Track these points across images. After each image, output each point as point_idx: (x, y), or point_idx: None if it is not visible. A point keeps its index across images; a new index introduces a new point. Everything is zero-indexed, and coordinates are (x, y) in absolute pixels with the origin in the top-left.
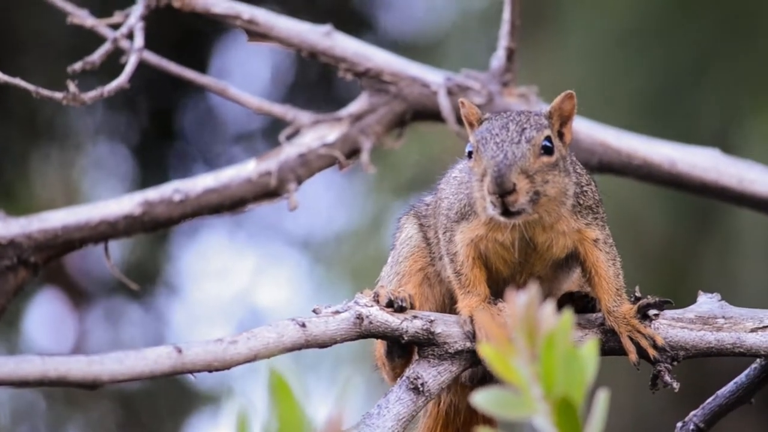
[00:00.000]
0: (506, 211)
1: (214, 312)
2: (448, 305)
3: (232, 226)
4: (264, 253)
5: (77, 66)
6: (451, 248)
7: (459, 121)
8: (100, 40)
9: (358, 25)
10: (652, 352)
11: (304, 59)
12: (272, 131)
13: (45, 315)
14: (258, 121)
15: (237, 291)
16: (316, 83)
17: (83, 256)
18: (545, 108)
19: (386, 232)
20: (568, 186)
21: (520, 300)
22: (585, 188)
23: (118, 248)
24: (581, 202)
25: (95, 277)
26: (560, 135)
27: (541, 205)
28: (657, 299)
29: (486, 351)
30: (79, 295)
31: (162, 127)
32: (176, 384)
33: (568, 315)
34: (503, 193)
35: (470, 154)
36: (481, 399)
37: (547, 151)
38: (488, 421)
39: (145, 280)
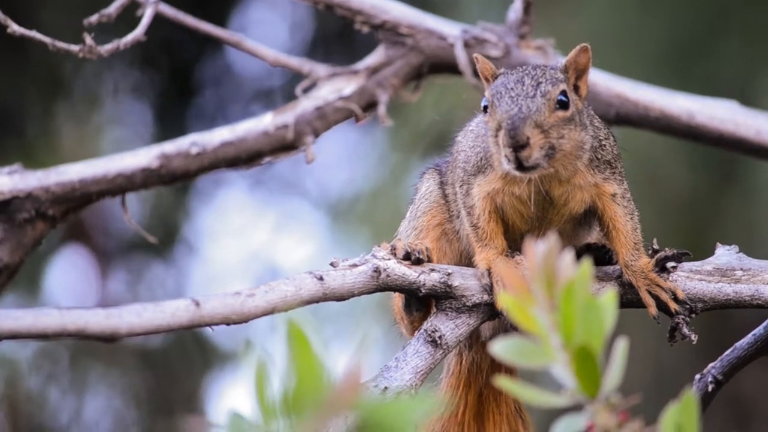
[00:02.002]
0: (521, 166)
1: (234, 269)
2: (466, 262)
3: (251, 183)
4: (283, 211)
5: (93, 18)
6: (468, 201)
7: (476, 73)
8: None
9: None
10: (673, 306)
11: (323, 14)
12: (291, 88)
13: (66, 272)
14: (277, 77)
15: (256, 248)
16: (335, 38)
17: (104, 214)
18: (561, 61)
19: (404, 188)
20: (584, 140)
21: (539, 250)
22: (603, 142)
23: (137, 205)
24: (599, 156)
25: (116, 234)
26: (576, 88)
27: (557, 160)
28: (675, 251)
29: (505, 300)
30: (100, 253)
31: (181, 84)
32: (198, 340)
33: (587, 264)
34: (517, 146)
35: (485, 108)
36: (501, 348)
37: (563, 105)
38: (510, 377)
39: (165, 237)
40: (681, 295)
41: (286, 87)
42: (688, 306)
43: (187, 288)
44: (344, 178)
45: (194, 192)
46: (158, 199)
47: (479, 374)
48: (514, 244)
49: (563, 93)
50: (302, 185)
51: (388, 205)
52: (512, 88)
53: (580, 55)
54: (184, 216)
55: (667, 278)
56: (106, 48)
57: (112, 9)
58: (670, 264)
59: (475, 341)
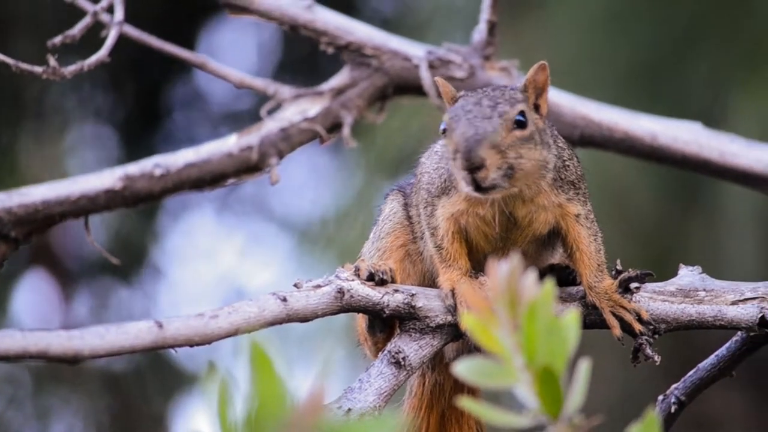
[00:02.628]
0: (480, 187)
1: (201, 292)
2: (429, 282)
3: (218, 206)
4: (250, 234)
5: (57, 40)
6: (432, 222)
7: (440, 95)
8: (82, 14)
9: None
10: (637, 327)
11: (291, 37)
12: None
13: (32, 296)
14: (245, 101)
15: (223, 271)
16: (303, 60)
17: (70, 237)
18: (521, 81)
19: (371, 209)
20: (547, 159)
21: (502, 270)
22: (567, 162)
23: (103, 229)
24: (563, 176)
25: (82, 258)
26: (536, 107)
27: (518, 179)
28: (638, 272)
29: (468, 321)
30: (65, 276)
31: (148, 108)
32: (164, 363)
33: (550, 285)
34: (472, 168)
35: (444, 131)
36: (464, 369)
37: (520, 125)
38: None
39: (131, 261)
40: (645, 316)
41: (254, 110)
42: (651, 327)
43: (154, 312)
44: (310, 200)
45: (161, 215)
46: (125, 222)
47: (442, 395)
48: (477, 265)
49: (521, 113)
50: (269, 208)
51: (355, 227)
52: (469, 110)
53: (539, 73)
54: (151, 239)
55: (631, 299)
56: (70, 69)
57: (75, 30)
58: (633, 285)
59: (438, 362)
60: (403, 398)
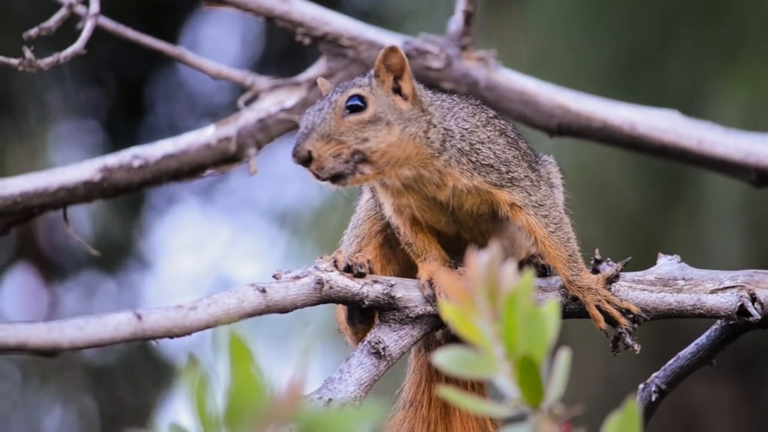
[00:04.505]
0: (321, 178)
1: (187, 285)
2: (413, 265)
3: (204, 199)
4: (237, 226)
5: (33, 32)
6: (391, 221)
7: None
8: (58, 7)
9: None
10: (623, 322)
11: (272, 29)
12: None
13: (17, 290)
14: (227, 94)
15: (210, 264)
16: (284, 52)
17: (55, 231)
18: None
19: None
20: (417, 137)
21: (482, 260)
22: (477, 146)
23: (88, 221)
24: (473, 159)
25: (67, 251)
26: (398, 90)
27: (381, 163)
28: (619, 266)
29: (448, 310)
30: (51, 270)
31: (131, 101)
32: (149, 356)
33: (530, 275)
34: (301, 162)
35: None
36: (443, 359)
37: (356, 109)
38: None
39: (117, 254)
40: (635, 310)
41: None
42: (632, 316)
43: (140, 305)
44: (296, 191)
45: (147, 209)
46: (111, 216)
47: (441, 371)
48: (456, 247)
49: (355, 97)
50: (254, 200)
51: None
52: (313, 107)
53: (389, 56)
54: (137, 233)
55: (610, 288)
56: (46, 61)
57: (51, 22)
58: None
59: (433, 341)
60: (405, 371)
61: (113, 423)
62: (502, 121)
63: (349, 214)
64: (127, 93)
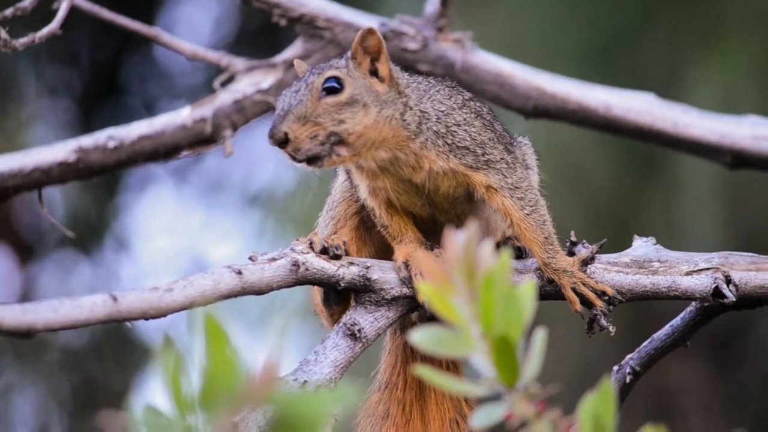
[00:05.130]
0: (297, 159)
1: (163, 266)
2: (388, 247)
3: (179, 180)
4: (212, 207)
5: (8, 12)
6: (367, 203)
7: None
8: None
9: None
10: (599, 304)
11: (246, 10)
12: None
13: None
14: (203, 75)
15: (186, 245)
16: (259, 33)
17: (28, 211)
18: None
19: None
20: (393, 119)
21: (459, 240)
22: (453, 128)
23: (64, 203)
24: (449, 141)
25: (41, 232)
26: (375, 72)
27: (357, 145)
28: (595, 248)
29: (425, 290)
30: (25, 251)
31: (106, 81)
32: (124, 337)
33: (507, 255)
34: (277, 144)
35: None
36: (419, 337)
37: (332, 90)
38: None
39: (92, 235)
40: (611, 292)
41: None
42: (607, 298)
43: (117, 287)
44: (270, 171)
45: (122, 190)
46: (86, 197)
47: (416, 353)
48: (432, 228)
49: (331, 78)
50: (229, 180)
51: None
52: (289, 88)
53: (366, 38)
54: (112, 214)
55: (586, 270)
56: (21, 41)
57: (27, 2)
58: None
59: (408, 323)
60: (380, 353)
61: (87, 405)
62: (478, 104)
63: (322, 194)
64: (102, 73)
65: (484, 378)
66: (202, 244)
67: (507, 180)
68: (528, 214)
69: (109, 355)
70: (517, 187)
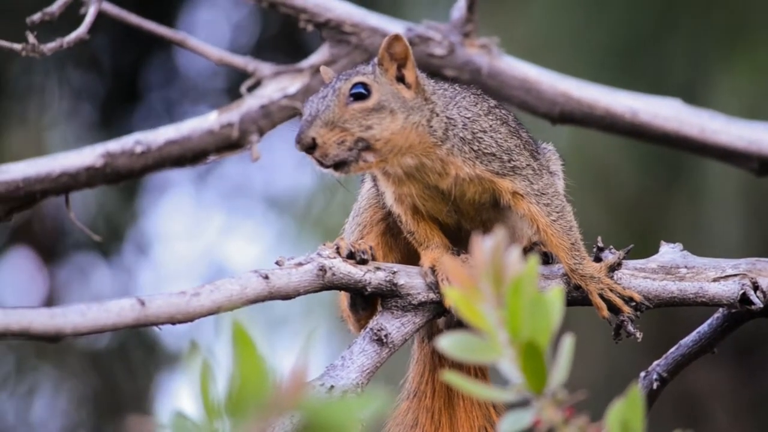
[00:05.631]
0: (324, 165)
1: (183, 269)
2: (415, 253)
3: (200, 184)
4: (233, 211)
5: (36, 17)
6: (393, 210)
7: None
8: None
9: None
10: (626, 310)
11: (268, 14)
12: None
13: (14, 274)
14: (224, 78)
15: (206, 249)
16: (281, 37)
17: (51, 214)
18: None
19: (355, 186)
20: (420, 125)
21: (487, 245)
22: (479, 134)
23: (84, 206)
24: (475, 147)
25: (64, 235)
26: (402, 78)
27: (385, 151)
28: (621, 254)
29: (452, 295)
30: (47, 254)
31: (128, 85)
32: (146, 341)
33: (534, 261)
34: (305, 149)
35: None
36: (447, 344)
37: (360, 96)
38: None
39: (113, 238)
40: (638, 299)
41: (233, 87)
42: (634, 304)
43: (136, 289)
44: (294, 177)
45: (143, 193)
46: (106, 200)
47: (444, 361)
48: (458, 236)
49: (359, 84)
50: (251, 185)
51: (339, 203)
52: (317, 94)
53: (392, 44)
54: (133, 217)
55: (613, 276)
56: (50, 46)
57: (54, 7)
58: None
59: (436, 331)
60: (408, 363)
61: (110, 408)
62: (504, 111)
63: (344, 199)
64: (124, 76)
65: (512, 384)
66: (223, 248)
67: (533, 186)
68: (554, 220)
69: (132, 358)
70: (544, 193)
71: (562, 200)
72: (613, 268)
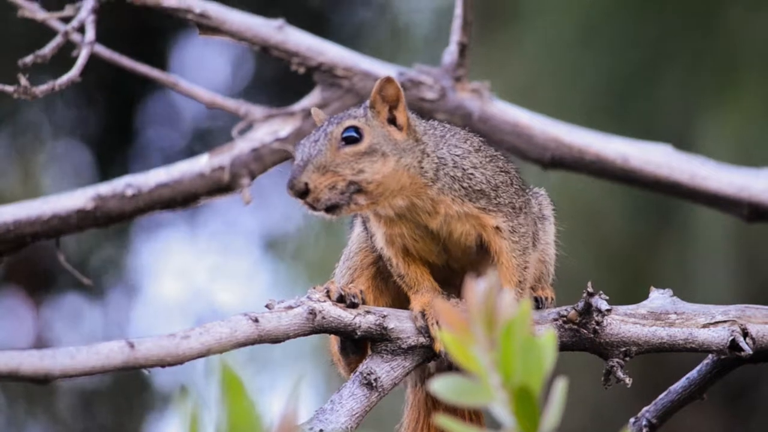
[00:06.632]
0: (316, 209)
1: (174, 310)
2: (404, 298)
3: (192, 224)
4: (224, 251)
5: (28, 59)
6: (383, 253)
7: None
8: (53, 34)
9: (311, 19)
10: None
11: (262, 56)
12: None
13: (3, 313)
14: (218, 119)
15: (197, 289)
16: (274, 79)
17: (42, 255)
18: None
19: (342, 224)
20: (411, 167)
21: (479, 288)
22: (470, 171)
23: (77, 246)
24: (465, 185)
25: (54, 275)
26: (393, 120)
27: (376, 194)
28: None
29: (445, 338)
30: (38, 294)
31: (121, 125)
32: (138, 382)
33: (527, 304)
34: (297, 195)
35: None
36: (440, 386)
37: (351, 140)
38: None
39: (104, 279)
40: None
41: (227, 127)
42: (623, 350)
43: (128, 329)
44: (285, 217)
45: (135, 233)
46: (98, 239)
47: (438, 405)
48: (449, 277)
49: (350, 128)
50: (243, 226)
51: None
52: (308, 138)
53: (384, 87)
54: (124, 257)
55: (602, 321)
56: (41, 89)
57: (47, 50)
58: (604, 307)
59: (427, 376)
60: (403, 407)
61: None
62: (493, 148)
63: (335, 239)
64: (117, 116)
65: (505, 428)
66: (214, 289)
67: (510, 223)
68: (515, 257)
69: (122, 399)
70: (515, 231)
71: (528, 241)
72: (588, 311)
